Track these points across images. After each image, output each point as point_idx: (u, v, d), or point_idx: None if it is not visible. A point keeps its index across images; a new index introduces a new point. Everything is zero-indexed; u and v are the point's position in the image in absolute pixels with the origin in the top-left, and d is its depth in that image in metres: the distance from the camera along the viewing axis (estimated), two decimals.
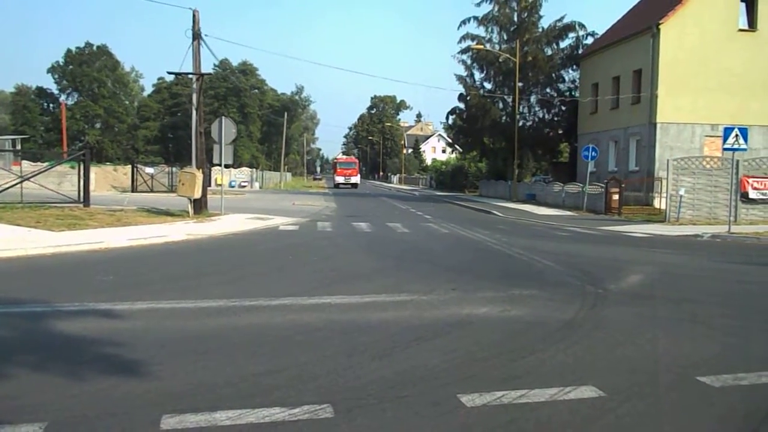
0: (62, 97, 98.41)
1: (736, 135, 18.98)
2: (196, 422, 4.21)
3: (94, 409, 4.41)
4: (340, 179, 70.01)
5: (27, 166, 28.61)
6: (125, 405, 4.51)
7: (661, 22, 29.87)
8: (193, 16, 21.81)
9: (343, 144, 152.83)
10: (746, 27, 30.44)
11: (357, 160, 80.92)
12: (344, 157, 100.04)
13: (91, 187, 23.85)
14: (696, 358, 6.11)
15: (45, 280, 9.95)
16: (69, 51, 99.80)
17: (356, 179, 70.52)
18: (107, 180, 42.24)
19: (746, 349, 6.57)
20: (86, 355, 5.72)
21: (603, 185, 28.74)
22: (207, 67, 60.23)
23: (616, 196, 27.47)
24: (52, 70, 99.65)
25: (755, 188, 23.61)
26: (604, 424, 4.48)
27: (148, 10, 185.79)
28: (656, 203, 28.88)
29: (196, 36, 21.78)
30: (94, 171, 35.37)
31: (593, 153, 30.69)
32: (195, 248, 14.34)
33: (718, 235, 18.78)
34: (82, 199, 21.58)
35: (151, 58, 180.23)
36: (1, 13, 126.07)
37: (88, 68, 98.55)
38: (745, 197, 23.54)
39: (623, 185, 28.31)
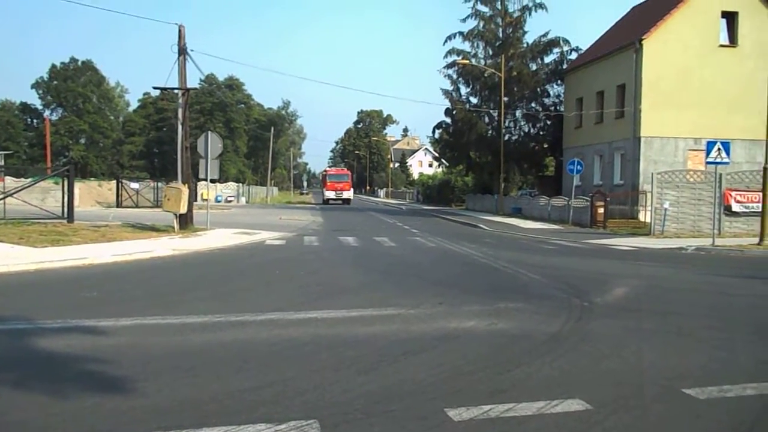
0: (46, 113, 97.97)
1: (719, 149, 19.22)
2: None
3: (78, 428, 4.36)
4: (330, 194, 61.96)
5: (10, 181, 28.39)
6: (110, 423, 4.45)
7: (643, 37, 30.26)
8: (179, 31, 21.83)
9: (330, 159, 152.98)
10: (727, 43, 30.91)
11: (350, 172, 72.61)
12: (335, 168, 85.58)
13: (76, 202, 23.70)
14: (681, 370, 6.14)
15: (28, 296, 9.83)
16: (54, 66, 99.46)
17: (349, 194, 63.26)
18: (92, 195, 41.96)
19: (731, 361, 6.62)
20: (70, 373, 5.66)
21: (588, 199, 28.93)
22: (193, 82, 60.16)
23: (601, 210, 27.67)
24: (36, 85, 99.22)
25: (738, 201, 23.88)
26: None
27: (134, 25, 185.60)
28: (641, 216, 29.09)
29: (182, 51, 21.78)
30: (79, 186, 35.14)
31: (578, 167, 30.93)
32: (180, 264, 14.26)
33: (702, 248, 18.94)
34: (66, 215, 21.43)
35: (137, 74, 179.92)
36: None
37: (73, 83, 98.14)
38: (728, 210, 23.80)
39: (608, 199, 28.53)
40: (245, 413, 4.64)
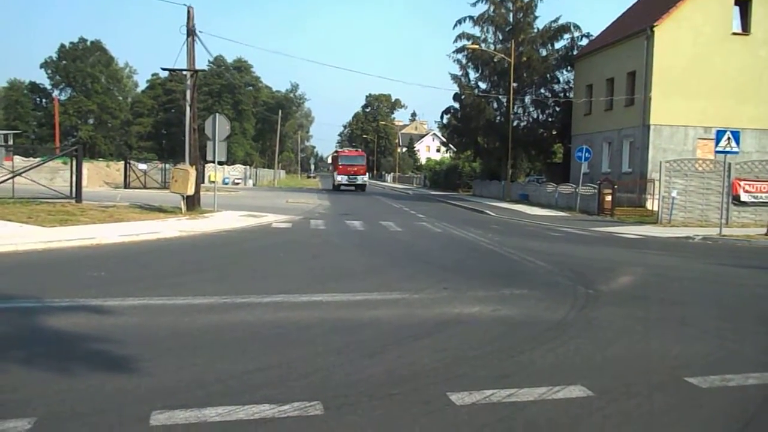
0: (55, 93, 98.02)
1: (729, 138, 19.09)
2: (185, 418, 4.21)
3: (84, 405, 4.41)
4: (341, 178, 52.98)
5: (19, 161, 28.49)
6: (115, 401, 4.50)
7: (655, 24, 29.98)
8: (188, 12, 21.77)
9: (337, 143, 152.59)
10: (740, 30, 30.59)
11: (365, 154, 61.04)
12: (348, 149, 72.30)
13: (84, 183, 23.79)
14: (685, 359, 6.16)
15: (36, 275, 9.91)
16: (62, 46, 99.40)
17: (363, 179, 53.86)
18: (100, 176, 42.11)
19: (735, 350, 6.62)
20: (76, 351, 5.71)
21: (596, 186, 28.84)
22: (201, 64, 60.11)
23: (608, 197, 27.59)
24: (45, 65, 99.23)
25: (747, 191, 23.75)
26: (592, 423, 4.51)
27: (143, 5, 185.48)
28: (649, 205, 28.99)
29: (191, 32, 21.74)
30: (87, 167, 35.26)
31: (587, 154, 30.80)
32: (187, 245, 14.32)
33: (709, 238, 18.88)
34: (74, 195, 21.53)
35: (146, 54, 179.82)
36: None
37: (82, 64, 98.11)
38: (736, 200, 23.68)
39: (616, 186, 28.42)
40: (249, 394, 4.69)
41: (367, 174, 55.95)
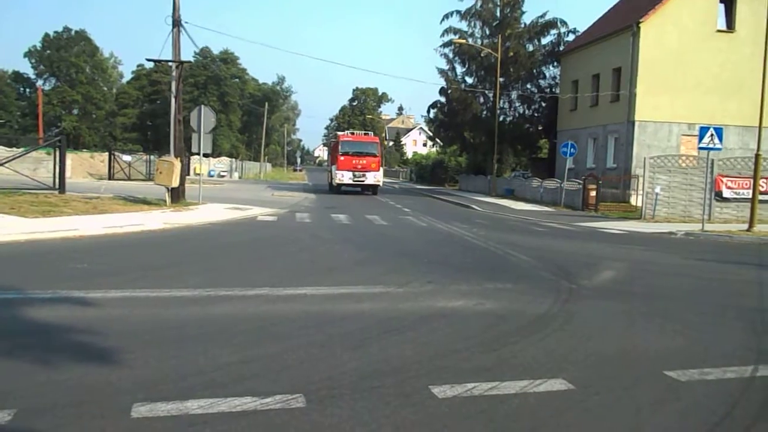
0: (39, 82, 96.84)
1: (712, 135, 19.27)
2: (167, 411, 4.20)
3: (65, 397, 4.39)
4: (343, 175, 36.50)
5: (2, 151, 28.21)
6: (96, 393, 4.49)
7: (641, 21, 30.16)
8: (174, 2, 21.59)
9: (324, 136, 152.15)
10: (724, 28, 30.85)
11: (378, 141, 40.62)
12: (356, 134, 43.59)
13: (67, 174, 23.59)
14: (664, 352, 6.23)
15: (17, 267, 9.83)
16: (47, 35, 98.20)
17: (376, 176, 37.25)
18: (84, 167, 41.73)
19: (714, 344, 6.70)
20: (58, 343, 5.68)
21: (581, 182, 29.01)
22: (187, 55, 59.72)
23: (593, 193, 27.77)
24: (29, 54, 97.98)
25: (729, 187, 23.99)
26: (573, 416, 4.55)
27: None
28: (633, 200, 29.22)
29: (176, 23, 21.56)
30: (71, 158, 34.94)
31: (572, 149, 30.96)
32: (172, 237, 14.25)
33: (691, 233, 19.06)
34: (57, 186, 21.34)
35: (131, 45, 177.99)
36: None
37: (66, 53, 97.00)
38: (719, 196, 23.91)
39: (601, 182, 28.62)
40: (231, 386, 4.69)
41: (382, 170, 38.52)
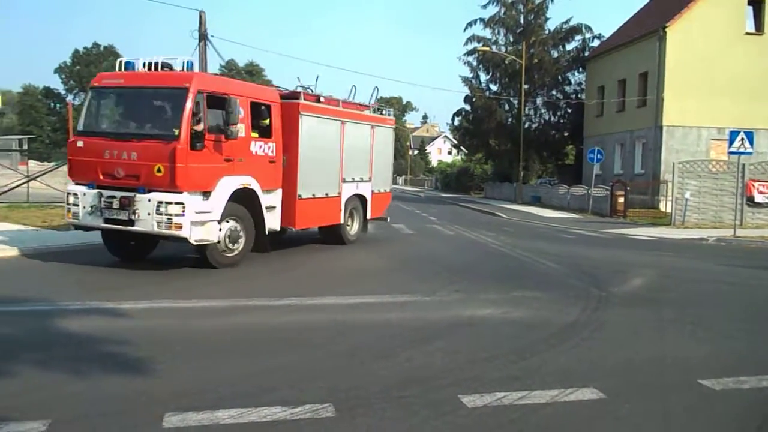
0: (69, 97, 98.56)
1: (742, 139, 18.94)
2: (198, 420, 4.24)
3: (98, 407, 4.45)
4: (82, 199, 10.22)
5: (34, 165, 28.71)
6: (129, 403, 4.54)
7: (667, 25, 29.82)
8: (200, 17, 21.93)
9: None
10: (753, 30, 30.37)
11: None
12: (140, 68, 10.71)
13: None
14: (698, 361, 6.12)
15: (50, 278, 9.97)
16: (76, 51, 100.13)
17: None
18: None
19: (748, 352, 6.57)
20: (90, 353, 5.75)
21: (608, 188, 28.70)
22: (213, 68, 60.42)
23: (621, 199, 27.44)
24: (59, 70, 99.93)
25: (761, 192, 23.54)
26: (604, 425, 4.50)
27: (155, 10, 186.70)
28: (662, 206, 28.80)
29: (203, 37, 21.89)
30: None
31: (599, 155, 30.64)
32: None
33: (723, 239, 18.74)
34: None
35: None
36: (7, 14, 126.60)
37: (96, 68, 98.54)
38: (751, 201, 23.47)
39: (629, 188, 28.27)
40: (261, 396, 4.71)
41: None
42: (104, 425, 4.18)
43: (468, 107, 46.29)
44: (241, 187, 10.57)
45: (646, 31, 32.25)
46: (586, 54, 41.56)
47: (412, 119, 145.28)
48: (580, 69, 42.45)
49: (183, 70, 10.29)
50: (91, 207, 10.08)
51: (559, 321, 7.52)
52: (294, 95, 12.50)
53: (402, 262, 13.00)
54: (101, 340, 6.18)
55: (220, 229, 10.28)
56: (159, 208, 9.53)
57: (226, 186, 10.25)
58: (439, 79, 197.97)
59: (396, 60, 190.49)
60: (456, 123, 50.01)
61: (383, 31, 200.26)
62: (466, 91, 45.39)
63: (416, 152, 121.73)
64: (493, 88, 45.10)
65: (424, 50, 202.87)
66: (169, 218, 9.50)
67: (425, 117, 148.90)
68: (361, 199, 14.93)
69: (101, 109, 11.03)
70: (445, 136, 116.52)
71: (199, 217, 9.73)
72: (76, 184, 10.64)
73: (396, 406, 4.61)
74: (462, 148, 55.54)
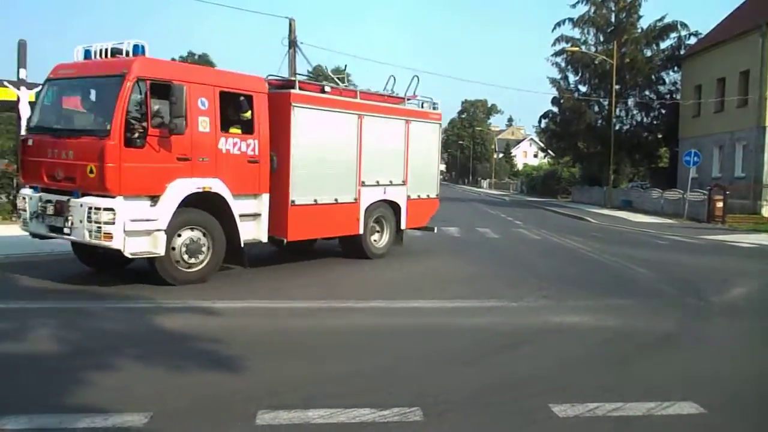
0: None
1: None
2: (289, 419, 4.34)
3: (195, 402, 4.63)
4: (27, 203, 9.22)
5: None
6: (223, 400, 4.70)
7: None
8: (290, 24, 22.48)
9: None
10: None
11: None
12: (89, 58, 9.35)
13: None
14: None
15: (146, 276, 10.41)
16: (173, 59, 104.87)
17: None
18: None
19: None
20: (186, 350, 5.99)
21: (706, 192, 27.44)
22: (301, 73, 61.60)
23: (720, 204, 26.16)
24: None
25: None
26: None
27: (245, 19, 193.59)
28: (764, 212, 27.31)
29: (292, 44, 22.41)
30: None
31: (695, 158, 29.33)
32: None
33: None
34: None
35: (250, 65, 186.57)
36: (101, 20, 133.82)
37: None
38: None
39: (728, 192, 26.90)
40: (349, 397, 4.77)
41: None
42: (202, 419, 4.34)
43: (555, 109, 45.40)
44: (200, 190, 8.94)
45: (747, 27, 30.64)
46: (682, 52, 39.92)
47: (497, 122, 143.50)
48: (675, 68, 40.81)
49: (129, 55, 8.71)
50: (32, 213, 9.00)
51: (653, 330, 7.25)
52: (288, 84, 10.80)
53: (488, 266, 12.86)
54: (196, 338, 6.42)
55: (173, 241, 8.77)
56: (89, 214, 8.11)
57: (178, 190, 8.67)
58: (525, 82, 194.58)
59: (481, 62, 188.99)
60: (543, 125, 49.10)
61: (467, 32, 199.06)
62: (554, 92, 44.52)
63: (501, 155, 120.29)
64: (582, 89, 44.02)
65: (510, 52, 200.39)
66: (98, 227, 8.03)
67: (510, 119, 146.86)
68: (393, 206, 12.71)
69: (53, 103, 9.59)
70: (531, 139, 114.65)
71: (137, 225, 8.24)
72: (28, 186, 9.43)
73: (485, 412, 4.57)
74: (549, 150, 54.45)
